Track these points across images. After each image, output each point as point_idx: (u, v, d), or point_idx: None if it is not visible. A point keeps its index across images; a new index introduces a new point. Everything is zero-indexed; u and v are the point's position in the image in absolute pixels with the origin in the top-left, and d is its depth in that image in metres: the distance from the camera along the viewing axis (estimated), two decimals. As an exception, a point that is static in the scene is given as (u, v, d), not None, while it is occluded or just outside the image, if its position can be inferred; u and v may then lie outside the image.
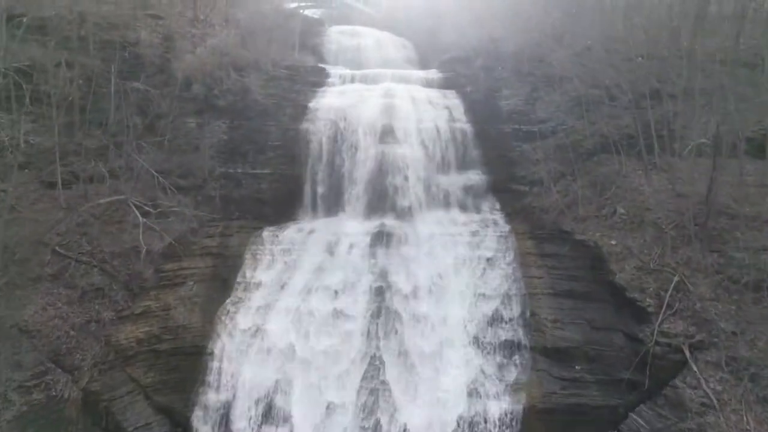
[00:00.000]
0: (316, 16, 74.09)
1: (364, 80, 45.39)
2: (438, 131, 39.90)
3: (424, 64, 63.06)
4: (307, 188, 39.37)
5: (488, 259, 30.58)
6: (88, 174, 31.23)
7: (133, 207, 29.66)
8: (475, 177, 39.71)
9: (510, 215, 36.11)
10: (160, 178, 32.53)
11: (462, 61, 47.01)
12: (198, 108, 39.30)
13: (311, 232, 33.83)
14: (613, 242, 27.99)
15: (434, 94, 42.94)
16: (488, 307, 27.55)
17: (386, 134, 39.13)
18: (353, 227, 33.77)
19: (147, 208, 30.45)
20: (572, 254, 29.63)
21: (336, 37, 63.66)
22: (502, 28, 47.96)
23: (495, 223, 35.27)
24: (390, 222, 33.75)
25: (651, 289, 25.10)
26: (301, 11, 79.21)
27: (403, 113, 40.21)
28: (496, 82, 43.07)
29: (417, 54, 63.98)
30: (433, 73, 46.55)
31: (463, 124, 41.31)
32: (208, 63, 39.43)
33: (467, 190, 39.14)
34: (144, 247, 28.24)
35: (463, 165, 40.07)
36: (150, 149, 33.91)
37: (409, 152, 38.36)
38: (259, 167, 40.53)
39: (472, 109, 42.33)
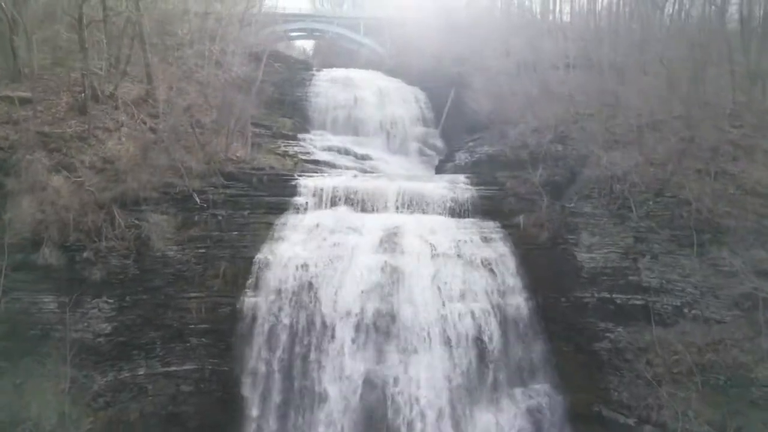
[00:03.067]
0: (301, 59, 55.91)
1: (353, 201, 26.64)
2: (475, 323, 21.80)
3: (444, 132, 45.07)
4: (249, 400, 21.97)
5: None
6: None
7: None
8: (541, 399, 21.76)
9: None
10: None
11: (506, 158, 28.67)
12: (57, 285, 21.62)
13: None
14: None
15: (466, 235, 24.46)
16: None
17: (386, 335, 21.18)
18: None
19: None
20: None
21: (326, 87, 45.08)
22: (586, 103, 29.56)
23: None
24: None
25: None
26: (289, 38, 61.45)
27: (416, 287, 22.12)
28: (570, 218, 24.70)
29: (433, 111, 45.52)
30: (464, 188, 27.08)
31: (518, 299, 23.29)
32: (68, 204, 21.39)
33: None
34: None
35: (519, 378, 22.11)
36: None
37: (425, 373, 20.44)
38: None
39: (529, 264, 24.24)
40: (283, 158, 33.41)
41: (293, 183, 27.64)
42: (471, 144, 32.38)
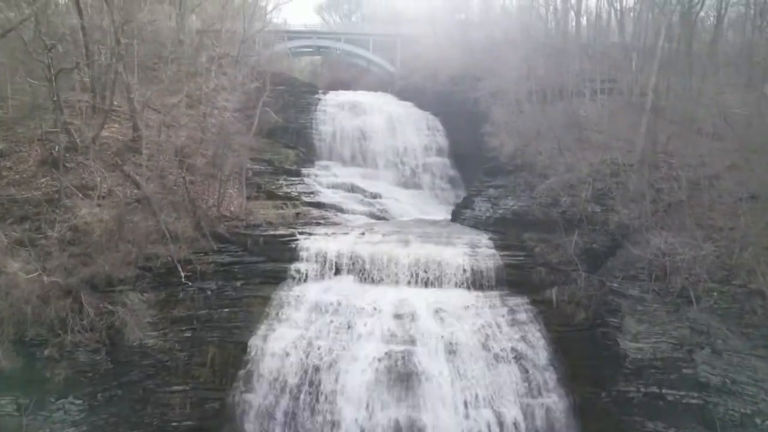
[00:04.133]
0: (306, 81, 51.69)
1: (360, 269, 22.83)
2: (504, 433, 18.17)
3: (459, 161, 41.22)
4: None
5: None
6: None
7: None
8: None
9: None
10: None
11: (534, 216, 24.79)
12: (13, 385, 18.20)
13: None
14: None
15: (491, 316, 20.62)
16: None
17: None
18: None
19: None
20: None
21: (332, 113, 41.38)
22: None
23: None
24: None
25: None
26: (294, 54, 57.60)
27: (434, 390, 18.47)
28: (611, 296, 20.90)
29: (447, 139, 41.70)
30: (486, 253, 22.91)
31: (553, 397, 19.63)
32: (26, 294, 17.84)
33: None
34: None
35: None
36: None
37: None
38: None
39: (564, 350, 20.61)
40: (284, 205, 29.74)
41: (293, 245, 24.17)
42: (492, 191, 28.48)
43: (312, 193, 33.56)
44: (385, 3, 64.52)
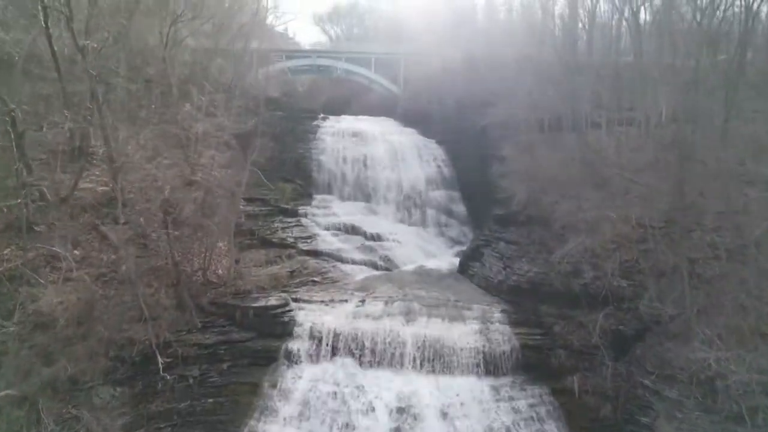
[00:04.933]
0: (304, 97, 49.01)
1: (360, 351, 19.95)
2: None
3: (465, 194, 38.37)
4: None
5: None
6: None
7: None
8: None
9: None
10: None
11: (551, 287, 22.05)
12: None
13: None
14: None
15: (506, 414, 18.03)
16: None
17: None
18: None
19: None
20: None
21: (332, 142, 38.67)
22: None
23: None
24: None
25: None
26: (293, 73, 54.40)
27: None
28: (642, 390, 18.28)
29: (454, 170, 38.95)
30: (499, 329, 20.21)
31: None
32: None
33: None
34: None
35: None
36: None
37: None
38: None
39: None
40: (278, 258, 27.25)
41: (285, 318, 21.64)
42: (503, 246, 25.76)
43: (309, 237, 31.06)
44: (387, 15, 61.51)
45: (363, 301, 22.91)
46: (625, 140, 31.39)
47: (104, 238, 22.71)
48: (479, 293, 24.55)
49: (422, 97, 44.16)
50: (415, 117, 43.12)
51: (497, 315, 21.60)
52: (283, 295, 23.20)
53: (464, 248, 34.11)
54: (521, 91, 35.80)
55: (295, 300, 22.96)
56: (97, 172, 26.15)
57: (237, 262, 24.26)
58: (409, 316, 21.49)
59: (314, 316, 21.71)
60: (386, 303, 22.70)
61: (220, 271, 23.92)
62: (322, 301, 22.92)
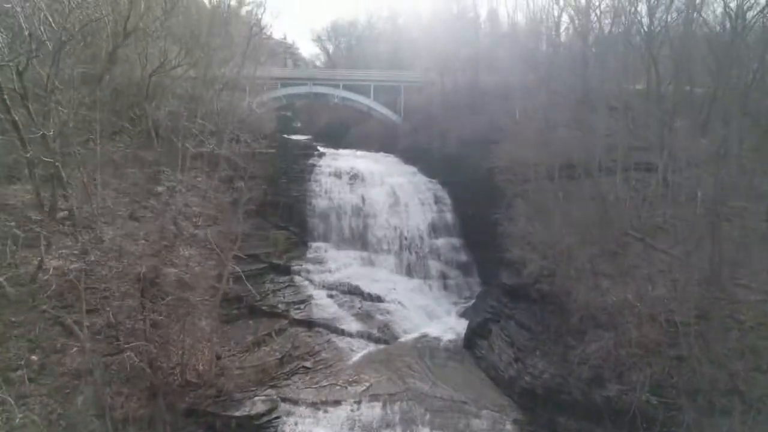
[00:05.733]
0: (301, 142, 45.82)
1: None
2: None
3: (470, 241, 35.48)
4: None
5: None
6: None
7: None
8: None
9: None
10: None
11: (570, 396, 19.45)
12: None
13: None
14: None
15: None
16: None
17: None
18: None
19: None
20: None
21: (329, 184, 36.01)
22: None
23: None
24: None
25: None
26: (288, 100, 51.34)
27: None
28: None
29: (458, 217, 36.27)
30: None
31: None
32: None
33: None
34: None
35: None
36: None
37: None
38: None
39: None
40: (267, 337, 24.68)
41: (271, 430, 19.10)
42: (513, 327, 23.13)
43: (302, 302, 28.71)
44: (386, 34, 58.51)
45: (359, 404, 20.31)
46: (641, 188, 28.78)
47: (70, 334, 20.16)
48: (488, 387, 21.93)
49: (423, 133, 41.23)
50: (416, 153, 40.39)
51: (509, 427, 19.02)
52: (271, 394, 20.67)
53: (469, 305, 31.85)
54: (528, 129, 33.09)
55: (284, 400, 20.42)
56: (68, 242, 23.62)
57: (219, 358, 21.63)
58: (410, 427, 18.94)
59: (304, 426, 19.17)
60: (385, 405, 20.15)
61: (200, 367, 21.21)
62: (313, 403, 20.33)
